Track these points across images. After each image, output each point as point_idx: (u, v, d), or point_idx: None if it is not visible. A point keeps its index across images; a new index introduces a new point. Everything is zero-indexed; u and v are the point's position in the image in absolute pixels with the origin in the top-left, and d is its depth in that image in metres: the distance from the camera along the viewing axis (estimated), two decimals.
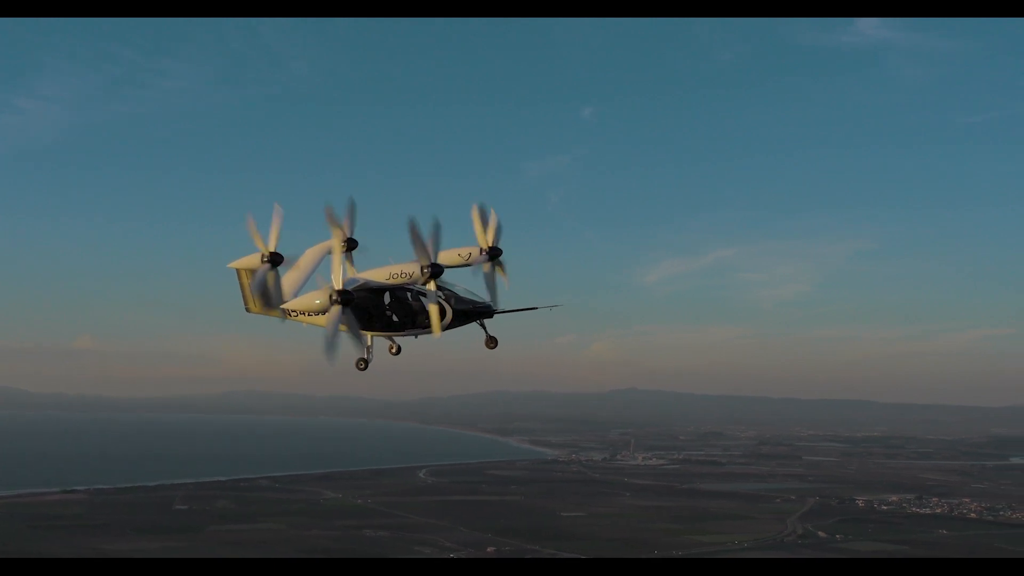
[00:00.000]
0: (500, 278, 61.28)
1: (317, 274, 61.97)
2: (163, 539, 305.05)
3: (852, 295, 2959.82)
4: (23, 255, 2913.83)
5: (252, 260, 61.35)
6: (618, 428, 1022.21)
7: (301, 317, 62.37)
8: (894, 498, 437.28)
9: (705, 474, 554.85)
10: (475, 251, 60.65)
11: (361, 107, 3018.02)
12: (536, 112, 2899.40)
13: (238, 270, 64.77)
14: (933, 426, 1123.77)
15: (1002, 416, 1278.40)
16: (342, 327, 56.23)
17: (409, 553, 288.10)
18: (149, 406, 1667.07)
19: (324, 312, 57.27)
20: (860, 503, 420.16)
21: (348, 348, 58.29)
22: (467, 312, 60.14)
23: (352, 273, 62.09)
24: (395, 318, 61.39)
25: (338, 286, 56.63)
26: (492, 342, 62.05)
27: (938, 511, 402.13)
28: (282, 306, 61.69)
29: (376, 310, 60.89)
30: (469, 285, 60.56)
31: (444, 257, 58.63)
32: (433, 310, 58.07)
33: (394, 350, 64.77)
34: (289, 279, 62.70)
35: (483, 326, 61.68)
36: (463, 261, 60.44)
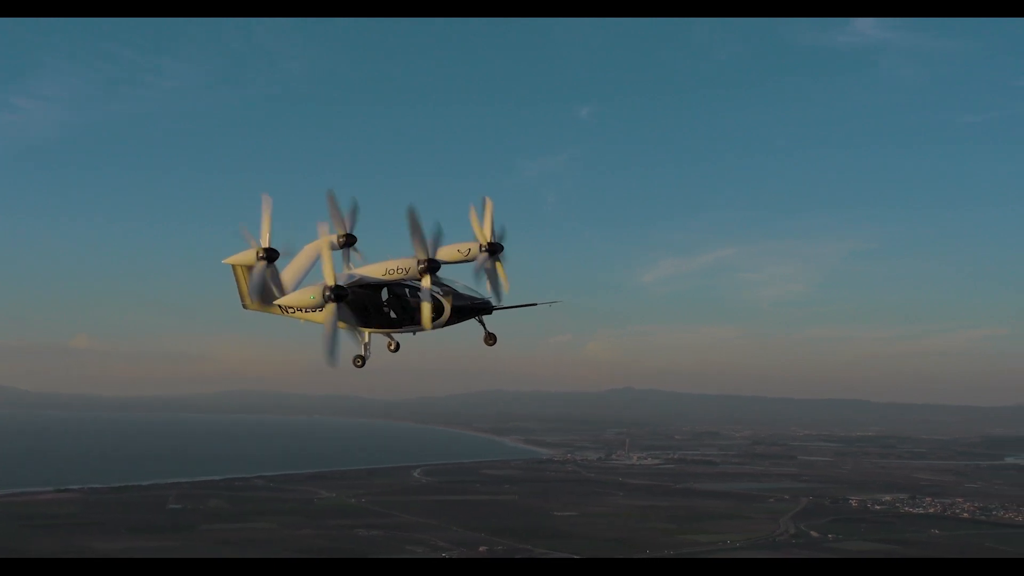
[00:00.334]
0: (500, 277, 60.37)
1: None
2: (157, 538, 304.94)
3: (850, 295, 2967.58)
4: (20, 254, 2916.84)
5: (247, 256, 60.71)
6: (614, 428, 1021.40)
7: (298, 313, 62.05)
8: (887, 498, 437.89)
9: (699, 474, 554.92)
10: (475, 246, 59.68)
11: (359, 107, 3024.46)
12: (533, 112, 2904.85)
13: (233, 266, 64.00)
14: (929, 426, 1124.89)
15: (998, 416, 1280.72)
16: (341, 324, 55.43)
17: (401, 553, 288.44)
18: (145, 406, 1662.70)
19: (319, 308, 56.69)
20: (853, 503, 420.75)
21: (346, 347, 57.26)
22: (466, 308, 59.55)
23: (349, 270, 61.42)
24: (393, 315, 60.62)
25: (330, 281, 55.56)
26: (491, 339, 61.06)
27: (931, 511, 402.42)
28: (276, 302, 60.98)
29: (374, 307, 60.15)
30: (469, 282, 60.01)
31: (444, 253, 58.05)
32: (425, 305, 57.60)
33: (392, 347, 64.17)
34: (288, 275, 61.99)
35: (482, 322, 61.05)
36: (463, 257, 59.50)
